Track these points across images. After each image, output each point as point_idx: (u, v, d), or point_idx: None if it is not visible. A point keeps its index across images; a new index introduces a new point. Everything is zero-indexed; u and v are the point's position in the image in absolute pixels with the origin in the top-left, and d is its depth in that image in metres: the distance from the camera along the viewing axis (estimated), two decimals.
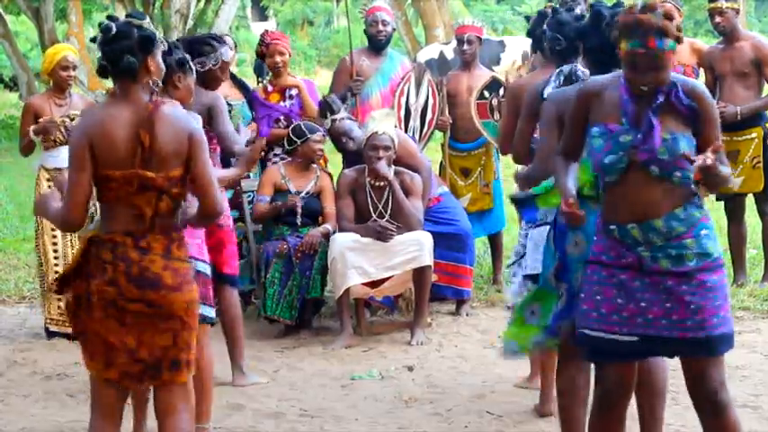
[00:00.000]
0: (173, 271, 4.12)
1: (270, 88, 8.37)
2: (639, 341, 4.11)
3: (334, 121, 7.87)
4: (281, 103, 8.28)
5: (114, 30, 4.09)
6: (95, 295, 4.08)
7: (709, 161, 3.92)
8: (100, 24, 4.17)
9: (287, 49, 8.37)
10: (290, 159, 7.95)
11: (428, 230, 7.62)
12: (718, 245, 4.17)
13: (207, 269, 5.36)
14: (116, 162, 4.06)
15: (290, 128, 7.94)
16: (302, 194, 7.83)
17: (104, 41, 4.10)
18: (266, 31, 8.77)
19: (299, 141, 7.83)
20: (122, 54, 4.07)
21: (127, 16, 4.20)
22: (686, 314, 4.05)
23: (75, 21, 22.98)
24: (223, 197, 5.85)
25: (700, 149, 4.09)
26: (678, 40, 4.04)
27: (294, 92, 8.27)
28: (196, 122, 4.85)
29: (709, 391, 4.12)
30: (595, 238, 4.25)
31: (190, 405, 4.31)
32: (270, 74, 8.55)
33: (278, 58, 8.28)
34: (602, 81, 4.28)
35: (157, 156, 4.05)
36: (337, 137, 7.90)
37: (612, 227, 4.14)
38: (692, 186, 4.09)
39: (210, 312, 5.41)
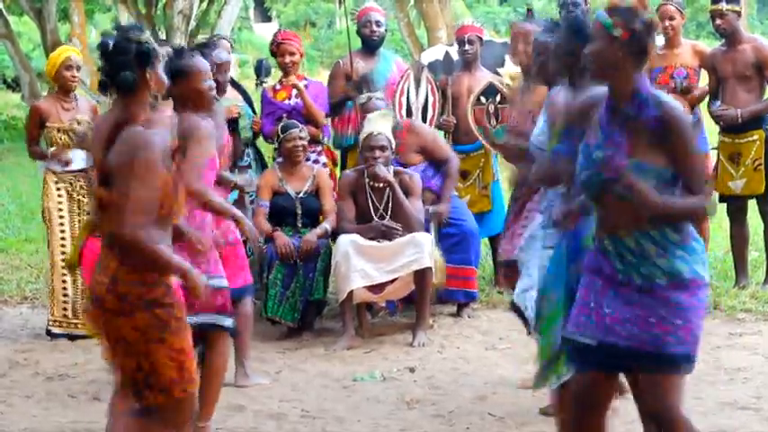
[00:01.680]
0: (115, 296, 4.07)
1: (278, 87, 8.41)
2: (597, 346, 4.10)
3: (369, 98, 7.98)
4: (286, 101, 8.29)
5: (111, 45, 4.10)
6: None
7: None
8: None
9: (297, 49, 8.40)
10: (281, 161, 7.95)
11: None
12: (700, 266, 4.11)
13: (222, 282, 5.40)
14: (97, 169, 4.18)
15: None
16: (300, 194, 7.83)
17: (103, 56, 4.13)
18: (279, 30, 8.82)
19: (277, 143, 7.89)
20: (119, 69, 4.09)
21: (127, 29, 4.19)
22: (644, 327, 4.03)
23: (77, 21, 23.00)
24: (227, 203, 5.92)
25: (678, 177, 4.06)
26: (614, 26, 4.06)
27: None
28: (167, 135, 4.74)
29: (654, 410, 4.09)
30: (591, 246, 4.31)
31: (182, 425, 4.27)
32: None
33: (287, 58, 8.32)
34: (600, 94, 4.28)
35: (108, 173, 4.09)
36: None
37: (595, 238, 4.20)
38: None
39: (227, 322, 5.48)
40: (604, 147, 4.08)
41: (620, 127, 4.07)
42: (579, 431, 4.25)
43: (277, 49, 8.36)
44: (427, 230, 7.75)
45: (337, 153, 8.65)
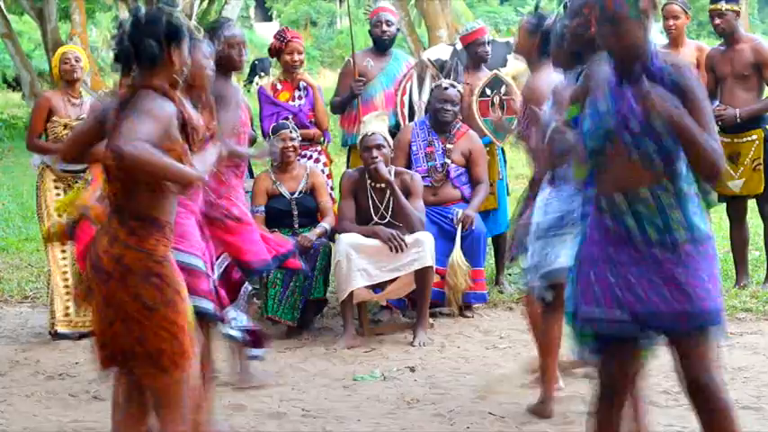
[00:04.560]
0: (111, 257, 4.06)
1: (279, 86, 8.37)
2: (632, 320, 4.11)
3: (440, 87, 8.16)
4: (291, 103, 8.26)
5: (143, 15, 4.06)
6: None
7: None
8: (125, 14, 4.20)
9: (303, 48, 8.39)
10: (277, 163, 7.96)
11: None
12: (707, 221, 4.16)
13: (197, 263, 5.19)
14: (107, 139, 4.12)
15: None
16: (295, 195, 7.82)
17: (131, 25, 4.07)
18: (285, 27, 8.80)
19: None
20: (146, 37, 4.04)
21: (158, 2, 4.20)
22: (673, 286, 4.06)
23: (78, 20, 23.01)
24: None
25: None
26: (636, 2, 4.12)
27: (304, 92, 8.26)
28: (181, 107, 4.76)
29: (696, 373, 4.09)
30: (589, 219, 4.28)
31: (175, 406, 4.23)
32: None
33: (296, 56, 8.28)
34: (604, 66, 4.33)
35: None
36: (442, 101, 8.10)
37: (600, 198, 4.17)
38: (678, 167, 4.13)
39: (207, 305, 5.24)
40: (612, 100, 4.13)
41: (630, 83, 4.11)
42: (610, 407, 4.25)
43: (285, 46, 8.30)
44: (455, 235, 7.93)
45: (332, 154, 8.65)
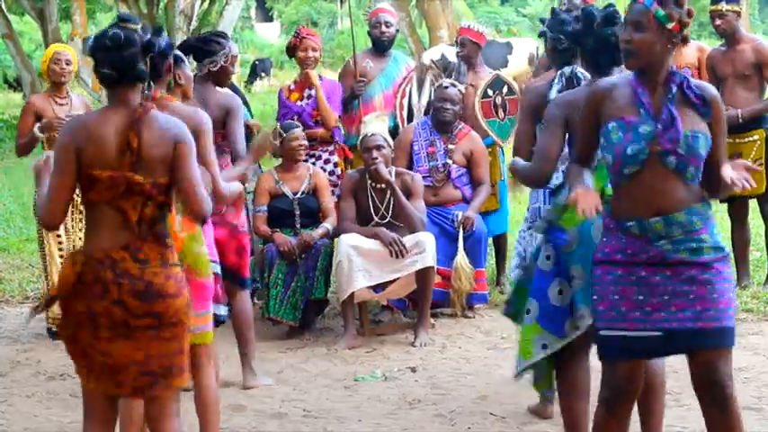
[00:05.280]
0: (173, 279, 4.08)
1: (293, 87, 8.38)
2: (662, 336, 4.13)
3: (441, 86, 8.17)
4: (298, 103, 8.27)
5: (123, 38, 4.08)
6: (101, 317, 4.03)
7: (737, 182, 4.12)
8: (105, 32, 4.15)
9: (319, 46, 8.40)
10: (280, 162, 7.96)
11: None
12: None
13: (218, 269, 5.35)
14: (104, 163, 4.01)
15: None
16: (298, 195, 7.82)
17: (114, 49, 4.07)
18: (302, 26, 8.84)
19: (278, 144, 7.90)
20: (133, 62, 4.06)
21: (120, 20, 4.15)
22: (709, 303, 4.10)
23: (78, 21, 23.05)
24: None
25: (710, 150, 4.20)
26: (670, 19, 4.12)
27: (313, 91, 8.27)
28: (203, 118, 4.89)
29: (718, 384, 4.13)
30: (604, 239, 4.26)
31: (178, 408, 4.26)
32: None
33: (310, 53, 8.27)
34: (612, 80, 4.33)
35: (145, 160, 4.02)
36: (441, 100, 8.13)
37: (631, 223, 4.15)
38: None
39: (223, 311, 5.46)
40: (652, 120, 4.13)
41: (670, 102, 4.13)
42: (614, 418, 4.25)
43: (300, 43, 8.30)
44: (457, 237, 7.93)
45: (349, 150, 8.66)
